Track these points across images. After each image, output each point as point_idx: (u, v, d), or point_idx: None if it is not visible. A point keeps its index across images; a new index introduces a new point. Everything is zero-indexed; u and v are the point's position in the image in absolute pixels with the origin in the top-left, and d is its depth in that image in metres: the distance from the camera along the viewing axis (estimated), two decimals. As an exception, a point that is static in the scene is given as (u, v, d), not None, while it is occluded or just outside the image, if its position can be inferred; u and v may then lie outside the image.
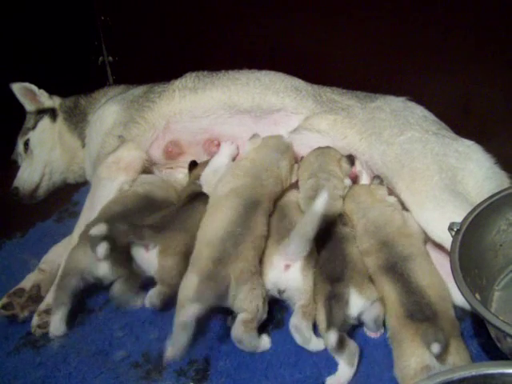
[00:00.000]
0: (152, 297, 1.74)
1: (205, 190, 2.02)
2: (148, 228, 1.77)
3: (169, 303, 1.73)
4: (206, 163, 2.14)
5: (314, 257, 1.71)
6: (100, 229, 1.73)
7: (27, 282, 1.92)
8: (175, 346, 1.55)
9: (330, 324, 1.53)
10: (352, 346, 1.55)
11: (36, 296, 1.88)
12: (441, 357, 1.42)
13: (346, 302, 1.57)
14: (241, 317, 1.59)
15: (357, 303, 1.58)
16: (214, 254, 1.63)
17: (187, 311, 1.56)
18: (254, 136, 2.10)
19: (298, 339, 1.61)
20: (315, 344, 1.61)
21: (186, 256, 1.73)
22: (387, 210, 1.82)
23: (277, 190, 1.94)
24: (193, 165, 2.17)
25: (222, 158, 2.11)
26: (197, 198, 1.96)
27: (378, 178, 1.92)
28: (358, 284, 1.60)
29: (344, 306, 1.56)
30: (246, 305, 1.59)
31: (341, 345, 1.52)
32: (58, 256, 2.01)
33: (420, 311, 1.50)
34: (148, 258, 1.75)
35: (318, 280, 1.67)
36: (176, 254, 1.75)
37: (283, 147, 2.06)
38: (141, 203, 1.97)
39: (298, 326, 1.60)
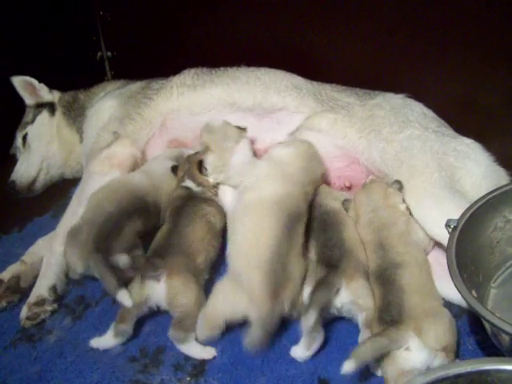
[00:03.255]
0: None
1: (233, 181, 1.94)
2: (154, 257, 1.74)
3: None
4: (190, 161, 2.06)
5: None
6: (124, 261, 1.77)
7: (7, 273, 1.92)
8: None
9: (312, 303, 1.55)
10: (320, 335, 1.58)
11: (14, 287, 1.88)
12: None
13: (336, 291, 1.59)
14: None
15: (342, 297, 1.60)
16: (267, 278, 1.56)
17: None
18: (303, 142, 2.04)
19: None
20: None
21: (192, 274, 1.71)
22: (395, 214, 1.80)
23: (311, 198, 1.90)
24: (175, 168, 2.10)
25: (245, 152, 2.01)
26: (188, 208, 1.89)
27: (398, 184, 1.86)
28: (348, 277, 1.61)
29: (332, 294, 1.58)
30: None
31: (314, 328, 1.55)
32: (41, 249, 2.02)
33: (387, 311, 1.52)
34: (161, 288, 1.68)
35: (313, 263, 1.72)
36: (180, 273, 1.70)
37: (320, 155, 2.04)
38: (130, 204, 1.90)
39: None
